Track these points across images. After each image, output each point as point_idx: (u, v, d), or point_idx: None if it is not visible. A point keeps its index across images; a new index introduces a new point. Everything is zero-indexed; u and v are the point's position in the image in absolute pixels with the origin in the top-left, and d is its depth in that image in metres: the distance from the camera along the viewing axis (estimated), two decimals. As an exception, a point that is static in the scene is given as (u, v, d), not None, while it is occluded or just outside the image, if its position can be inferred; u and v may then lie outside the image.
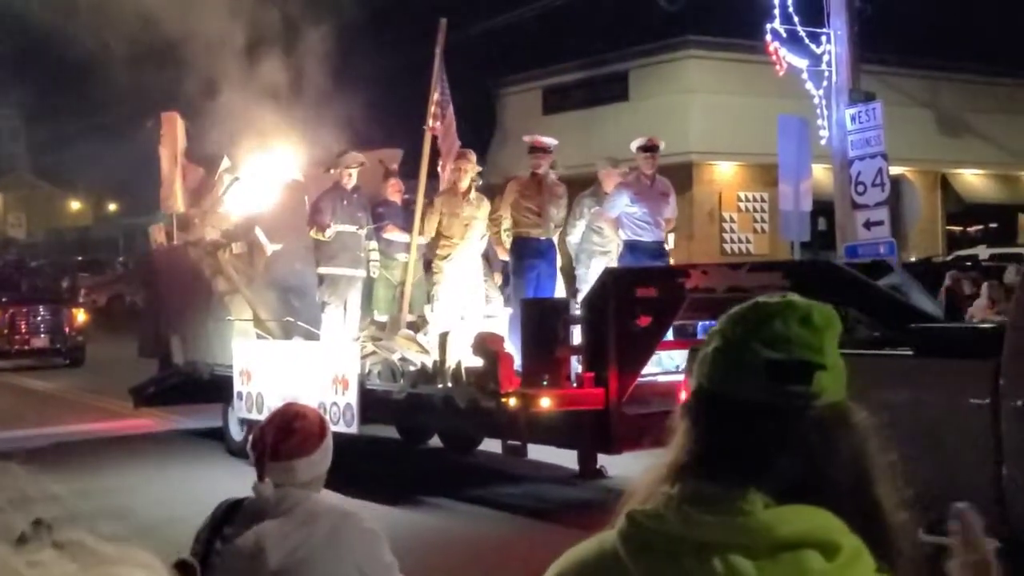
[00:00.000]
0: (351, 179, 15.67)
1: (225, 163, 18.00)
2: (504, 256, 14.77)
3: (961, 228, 41.33)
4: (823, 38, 20.93)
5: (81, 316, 32.01)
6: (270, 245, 17.50)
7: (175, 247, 17.96)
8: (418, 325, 15.37)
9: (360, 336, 15.23)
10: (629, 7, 39.01)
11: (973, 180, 40.52)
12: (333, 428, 12.92)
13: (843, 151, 19.62)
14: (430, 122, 15.50)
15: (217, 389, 16.75)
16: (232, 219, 17.70)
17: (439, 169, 15.59)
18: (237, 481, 4.58)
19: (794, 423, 1.85)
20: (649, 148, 14.29)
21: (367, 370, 14.19)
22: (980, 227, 41.45)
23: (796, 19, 21.00)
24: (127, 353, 20.76)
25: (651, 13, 33.69)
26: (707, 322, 12.64)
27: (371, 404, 14.01)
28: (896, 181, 20.26)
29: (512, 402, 12.25)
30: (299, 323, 15.70)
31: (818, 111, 20.91)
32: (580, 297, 14.19)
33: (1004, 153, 39.33)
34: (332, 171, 15.81)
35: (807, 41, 21.38)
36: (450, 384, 13.12)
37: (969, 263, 25.77)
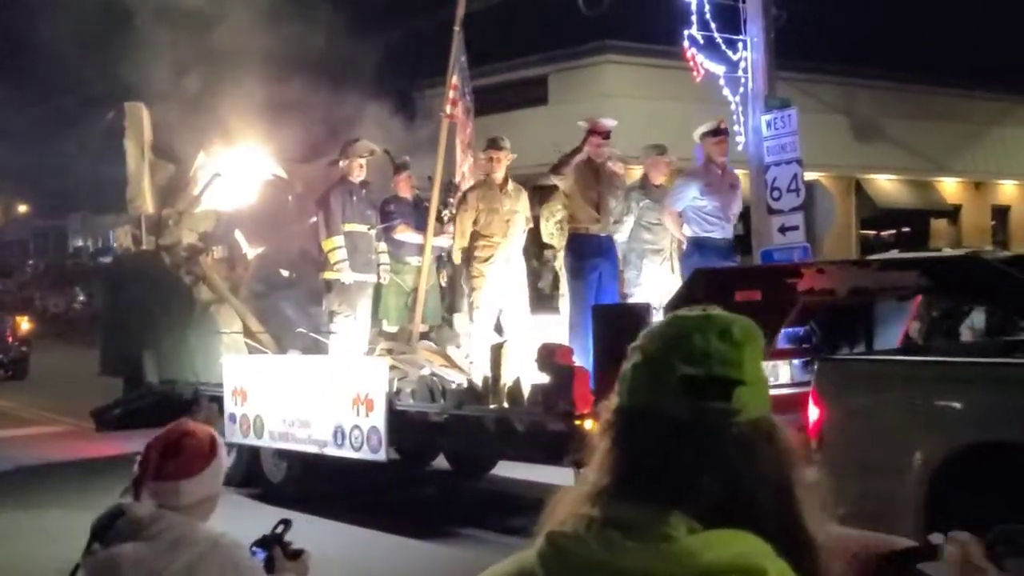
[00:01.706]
0: (362, 171, 13.40)
1: (200, 159, 15.57)
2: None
3: (875, 232, 40.63)
4: (740, 45, 20.00)
5: (25, 324, 28.91)
6: (249, 249, 15.16)
7: (145, 252, 15.40)
8: (440, 337, 13.19)
9: (377, 349, 12.96)
10: (549, 12, 37.59)
11: (886, 185, 39.81)
12: (354, 455, 10.48)
13: (759, 157, 18.25)
14: (447, 108, 13.29)
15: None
16: (211, 221, 15.24)
17: (458, 165, 13.42)
18: (221, 509, 3.84)
19: (714, 440, 1.73)
20: (719, 132, 12.17)
21: (394, 388, 11.89)
22: (893, 231, 40.84)
23: (713, 26, 20.12)
24: (61, 364, 18.15)
25: (571, 18, 33.16)
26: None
27: (401, 427, 11.75)
28: (810, 186, 19.19)
29: (589, 424, 10.13)
30: (312, 334, 13.34)
31: (735, 117, 19.76)
32: (630, 301, 12.17)
33: (916, 159, 38.74)
34: (342, 163, 13.47)
35: (724, 48, 20.38)
36: (506, 404, 10.93)
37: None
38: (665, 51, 28.23)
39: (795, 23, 21.71)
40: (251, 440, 13.28)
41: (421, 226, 13.55)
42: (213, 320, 14.25)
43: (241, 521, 4.21)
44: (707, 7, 20.22)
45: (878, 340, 10.84)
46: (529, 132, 32.67)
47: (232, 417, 13.49)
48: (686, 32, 19.98)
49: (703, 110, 21.42)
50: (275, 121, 15.20)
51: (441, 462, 14.85)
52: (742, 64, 20.08)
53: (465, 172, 13.31)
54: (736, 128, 19.50)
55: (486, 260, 12.21)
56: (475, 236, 12.30)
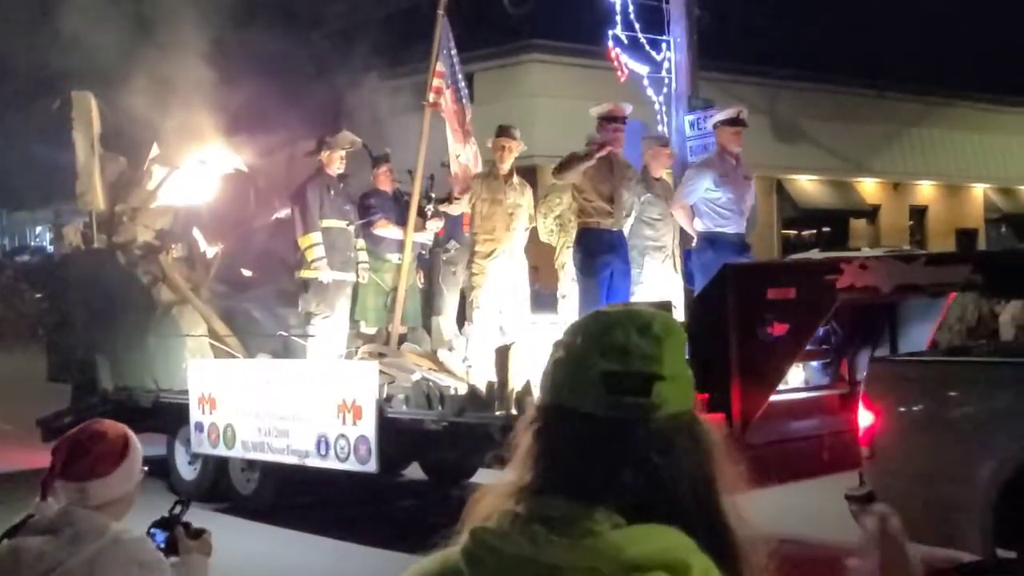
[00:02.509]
0: (342, 164, 12.39)
1: (154, 151, 14.43)
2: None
3: (796, 232, 40.49)
4: (663, 45, 20.40)
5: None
6: (208, 247, 14.07)
7: (97, 251, 14.19)
8: (415, 340, 12.24)
9: (359, 352, 11.96)
10: (476, 10, 36.91)
11: (807, 186, 39.68)
12: (340, 466, 10.08)
13: (683, 156, 18.31)
14: (430, 96, 12.33)
15: (161, 418, 13.17)
16: (168, 217, 14.11)
17: (452, 154, 12.46)
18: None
19: (633, 436, 1.71)
20: (737, 122, 11.31)
21: (385, 394, 10.90)
22: (814, 231, 40.76)
23: (637, 26, 20.54)
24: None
25: (497, 17, 32.74)
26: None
27: (393, 437, 10.76)
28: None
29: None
30: (292, 337, 12.29)
31: (658, 117, 20.26)
32: (633, 301, 11.32)
33: (837, 160, 38.69)
34: (321, 155, 12.44)
35: (648, 48, 20.92)
36: (514, 411, 10.00)
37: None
38: (590, 51, 27.93)
39: (718, 24, 21.94)
40: (220, 451, 12.21)
41: (402, 222, 12.59)
42: (175, 322, 13.12)
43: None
44: (631, 8, 20.54)
45: (903, 340, 10.12)
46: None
47: (198, 426, 12.40)
48: (610, 32, 20.25)
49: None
50: (234, 111, 14.16)
51: (415, 471, 13.86)
52: (665, 64, 20.38)
53: (465, 161, 12.31)
54: (660, 128, 19.65)
55: (488, 256, 11.25)
56: (475, 230, 11.36)
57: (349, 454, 10.87)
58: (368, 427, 10.73)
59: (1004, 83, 39.30)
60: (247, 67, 14.57)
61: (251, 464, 12.39)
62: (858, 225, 40.55)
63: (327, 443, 11.06)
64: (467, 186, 11.69)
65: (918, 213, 41.74)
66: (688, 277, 11.55)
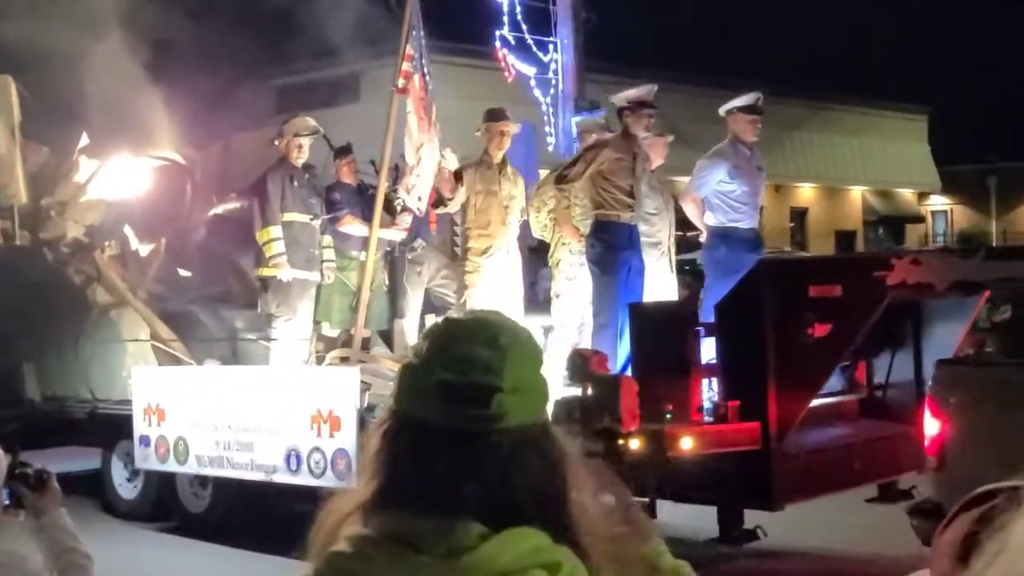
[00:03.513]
0: (302, 152, 11.22)
1: (83, 141, 13.05)
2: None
3: (681, 233, 40.00)
4: (550, 47, 20.29)
5: None
6: (140, 244, 12.79)
7: (20, 248, 12.73)
8: (396, 345, 11.16)
9: (328, 357, 10.81)
10: (363, 8, 35.97)
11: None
12: (314, 482, 9.03)
13: (568, 157, 17.80)
14: (399, 82, 11.22)
15: (97, 431, 11.85)
16: (99, 212, 12.75)
17: (414, 145, 11.37)
18: (123, 549, 2.94)
19: (476, 448, 1.66)
20: (755, 109, 10.39)
21: (366, 403, 9.77)
22: (696, 232, 40.33)
23: (524, 27, 20.22)
24: None
25: (384, 15, 31.95)
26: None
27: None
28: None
29: (636, 444, 8.32)
30: (261, 341, 11.08)
31: (545, 118, 19.98)
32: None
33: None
34: (276, 142, 11.26)
35: (535, 49, 20.63)
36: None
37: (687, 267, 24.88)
38: (477, 51, 27.27)
39: (605, 26, 21.86)
40: (171, 466, 10.92)
41: (368, 217, 11.48)
42: (113, 326, 11.80)
43: (158, 561, 3.55)
44: (518, 9, 20.16)
45: (928, 343, 9.35)
46: (341, 129, 30.82)
47: (144, 440, 11.08)
48: (498, 33, 19.91)
49: (515, 112, 20.69)
50: (168, 98, 12.90)
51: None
52: (552, 66, 20.14)
53: (428, 155, 11.25)
54: (547, 129, 19.52)
55: (483, 252, 10.16)
56: (468, 224, 10.29)
57: (325, 469, 9.72)
58: (348, 439, 9.56)
59: (881, 87, 39.53)
60: (183, 51, 13.31)
61: (203, 480, 11.15)
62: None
63: (298, 457, 9.89)
64: (452, 184, 10.58)
65: (799, 215, 41.69)
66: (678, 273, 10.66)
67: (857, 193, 42.56)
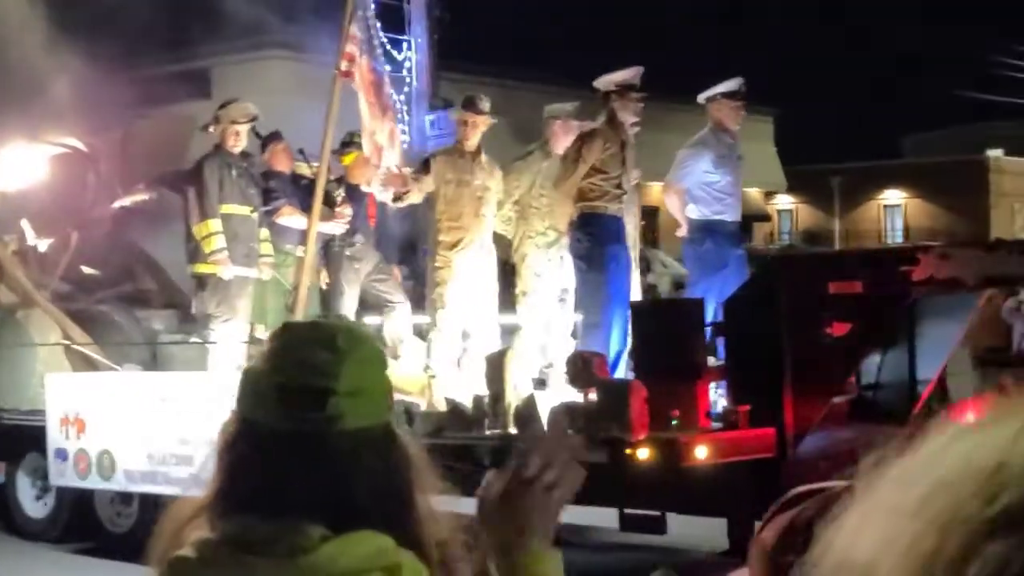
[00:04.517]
0: (239, 140, 10.18)
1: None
2: None
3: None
4: (404, 45, 20.39)
5: None
6: (37, 240, 11.57)
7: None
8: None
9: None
10: (214, 2, 34.63)
11: None
12: None
13: (424, 155, 17.91)
14: (342, 64, 10.30)
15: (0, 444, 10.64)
16: (-4, 203, 11.49)
17: (367, 132, 10.47)
18: (34, 573, 1.74)
19: (313, 451, 1.66)
20: (740, 95, 9.69)
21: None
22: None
23: (378, 25, 19.76)
24: None
25: (235, 11, 30.94)
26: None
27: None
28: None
29: (645, 454, 7.60)
30: (202, 343, 9.96)
31: (400, 116, 19.22)
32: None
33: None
34: (211, 129, 10.20)
35: (388, 48, 20.02)
36: (513, 429, 8.14)
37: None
38: (329, 49, 26.70)
39: (459, 25, 21.70)
40: (93, 483, 9.80)
41: (307, 209, 10.51)
42: (20, 329, 10.57)
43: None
44: (372, 6, 20.22)
45: (922, 340, 8.80)
46: (189, 132, 29.61)
47: (60, 454, 9.94)
48: None
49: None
50: (66, 80, 11.68)
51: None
52: (406, 64, 20.25)
53: (381, 140, 10.34)
54: (402, 127, 18.83)
55: (454, 246, 9.23)
56: (438, 216, 9.39)
57: (281, 484, 8.76)
58: (307, 451, 8.64)
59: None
60: (82, 29, 12.12)
61: (125, 497, 10.04)
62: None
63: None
64: (403, 177, 9.67)
65: (650, 214, 41.49)
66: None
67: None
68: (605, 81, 9.34)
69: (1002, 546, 0.70)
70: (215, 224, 9.77)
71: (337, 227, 10.46)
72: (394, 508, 1.69)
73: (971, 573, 0.70)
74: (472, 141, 9.51)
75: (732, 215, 9.51)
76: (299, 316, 10.22)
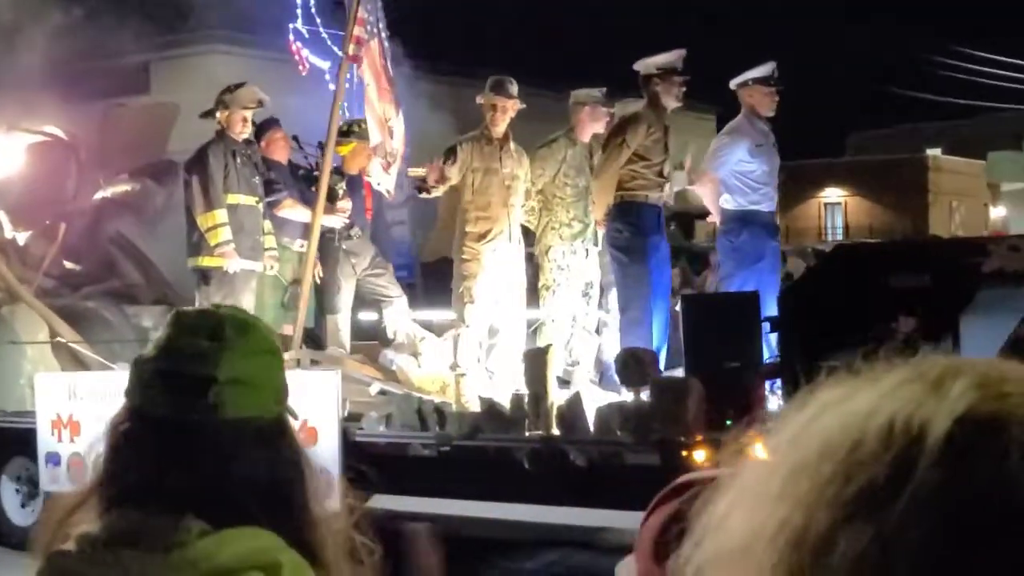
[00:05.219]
0: (246, 127, 9.57)
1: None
2: None
3: None
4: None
5: None
6: (14, 232, 10.90)
7: None
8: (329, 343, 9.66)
9: (285, 357, 9.21)
10: (153, -3, 33.83)
11: None
12: None
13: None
14: (350, 48, 9.74)
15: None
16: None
17: (378, 123, 9.93)
18: None
19: (197, 438, 1.63)
20: (774, 80, 9.23)
21: (346, 412, 8.26)
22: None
23: (319, 20, 20.29)
24: None
25: (176, 4, 30.55)
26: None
27: (365, 465, 8.12)
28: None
29: (701, 456, 7.15)
30: None
31: (342, 113, 19.41)
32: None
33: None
34: (218, 114, 9.58)
35: (330, 43, 20.02)
36: (556, 430, 7.64)
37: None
38: (272, 43, 26.03)
39: (405, 21, 20.41)
40: (89, 488, 9.17)
41: (306, 200, 9.95)
42: (5, 326, 9.88)
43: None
44: (313, 2, 20.39)
45: (969, 334, 8.42)
46: (127, 124, 28.92)
47: (52, 458, 9.27)
48: (291, 25, 19.76)
49: (310, 105, 19.89)
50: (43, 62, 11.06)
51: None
52: None
53: (397, 128, 9.81)
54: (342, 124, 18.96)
55: (482, 237, 8.71)
56: (465, 206, 8.86)
57: (297, 490, 8.19)
58: (328, 454, 8.05)
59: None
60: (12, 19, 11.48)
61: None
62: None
63: (262, 476, 8.33)
64: (440, 171, 9.08)
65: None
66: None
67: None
68: (646, 64, 8.84)
69: (860, 528, 0.69)
70: (221, 215, 9.16)
71: (337, 221, 9.90)
72: (280, 505, 1.65)
73: (836, 554, 0.69)
74: (500, 127, 9.02)
75: (768, 205, 9.08)
76: (302, 313, 9.71)
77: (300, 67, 18.77)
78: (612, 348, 9.41)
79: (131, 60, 32.55)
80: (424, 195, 9.47)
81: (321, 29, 20.43)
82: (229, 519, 1.59)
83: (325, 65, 19.36)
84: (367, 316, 11.01)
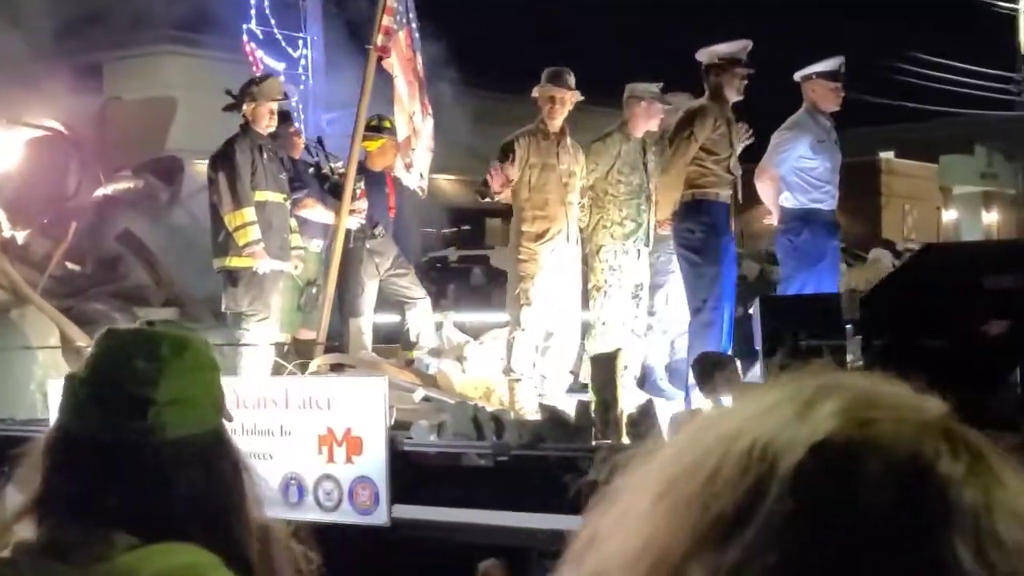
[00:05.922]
0: (272, 121, 9.03)
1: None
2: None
3: (435, 230, 39.24)
4: (300, 42, 20.54)
5: None
6: (12, 230, 10.29)
7: None
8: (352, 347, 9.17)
9: (313, 365, 8.66)
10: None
11: (446, 185, 38.31)
12: (323, 518, 7.61)
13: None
14: (378, 39, 9.24)
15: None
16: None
17: (405, 119, 9.44)
18: None
19: (131, 460, 1.62)
20: (839, 75, 8.82)
21: (393, 420, 7.75)
22: (454, 229, 39.65)
23: (273, 22, 20.48)
24: None
25: (128, 4, 30.06)
26: None
27: (413, 476, 7.62)
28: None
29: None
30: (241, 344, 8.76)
31: (296, 114, 18.98)
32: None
33: (477, 161, 37.17)
34: (244, 107, 9.01)
35: (284, 44, 20.80)
36: (626, 439, 7.18)
37: (439, 264, 24.46)
38: (227, 44, 25.39)
39: (357, 24, 20.87)
40: (108, 502, 8.59)
41: (325, 199, 9.44)
42: (14, 330, 9.27)
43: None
44: (267, 3, 20.54)
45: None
46: (84, 129, 28.33)
47: (66, 469, 8.72)
48: (245, 26, 20.21)
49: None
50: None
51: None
52: (302, 62, 20.58)
53: (420, 123, 9.33)
54: (298, 126, 18.94)
55: (540, 237, 8.22)
56: (521, 204, 8.37)
57: (341, 501, 7.64)
58: (373, 465, 7.53)
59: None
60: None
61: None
62: (493, 224, 39.69)
63: (301, 487, 7.76)
64: (504, 175, 8.53)
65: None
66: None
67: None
68: (709, 53, 8.40)
69: (709, 559, 0.67)
70: (249, 213, 8.61)
71: (354, 221, 9.39)
72: (217, 520, 1.63)
73: None
74: (558, 120, 8.53)
75: (830, 203, 8.69)
76: (325, 317, 9.22)
77: (254, 67, 19.04)
78: (657, 352, 9.01)
79: (84, 60, 32.05)
80: (487, 200, 8.97)
81: (275, 29, 20.52)
82: (165, 536, 1.57)
83: (280, 66, 19.82)
84: (382, 319, 10.55)
